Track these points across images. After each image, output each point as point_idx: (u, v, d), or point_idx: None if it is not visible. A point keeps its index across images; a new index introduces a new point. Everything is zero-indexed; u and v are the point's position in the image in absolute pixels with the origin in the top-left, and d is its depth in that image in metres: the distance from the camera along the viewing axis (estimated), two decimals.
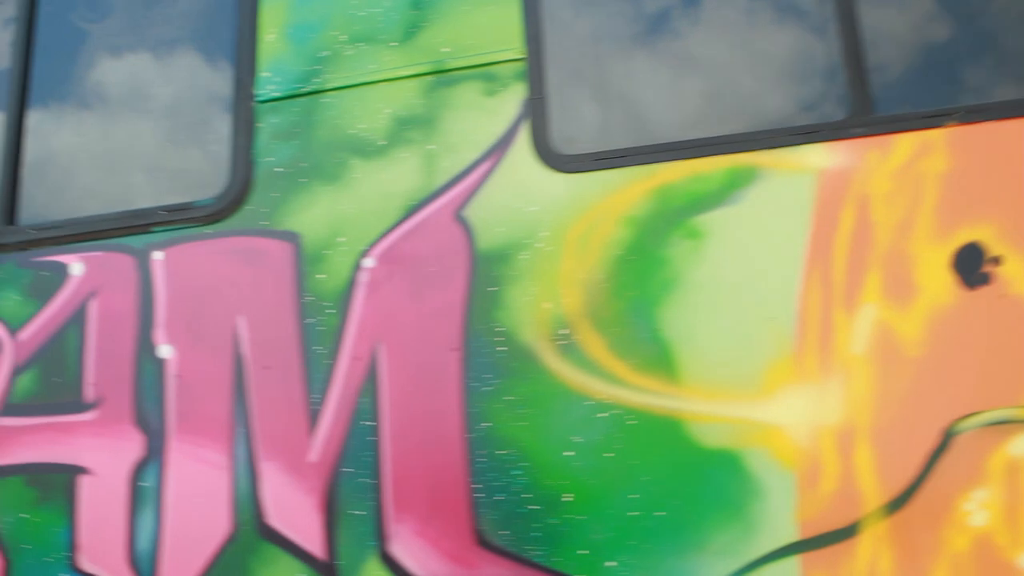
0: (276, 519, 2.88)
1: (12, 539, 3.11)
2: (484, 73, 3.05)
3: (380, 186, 3.02)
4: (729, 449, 2.67)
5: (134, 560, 2.97)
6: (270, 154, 3.14)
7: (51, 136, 3.51)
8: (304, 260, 3.02)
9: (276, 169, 3.12)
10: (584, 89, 3.09)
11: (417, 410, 2.84)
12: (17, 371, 3.21)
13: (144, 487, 3.01)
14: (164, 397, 3.04)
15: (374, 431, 2.86)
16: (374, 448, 2.85)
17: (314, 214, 3.05)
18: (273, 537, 2.87)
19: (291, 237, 3.04)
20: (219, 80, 3.35)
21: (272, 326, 3.00)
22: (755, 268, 2.76)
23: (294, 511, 2.87)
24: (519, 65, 3.03)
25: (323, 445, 2.88)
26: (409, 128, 3.05)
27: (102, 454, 3.06)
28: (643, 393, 2.73)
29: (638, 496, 2.68)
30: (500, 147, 2.97)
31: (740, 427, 2.68)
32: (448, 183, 2.98)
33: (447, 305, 2.88)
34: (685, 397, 2.71)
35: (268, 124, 3.17)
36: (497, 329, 2.84)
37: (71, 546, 3.04)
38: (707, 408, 2.70)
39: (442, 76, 3.08)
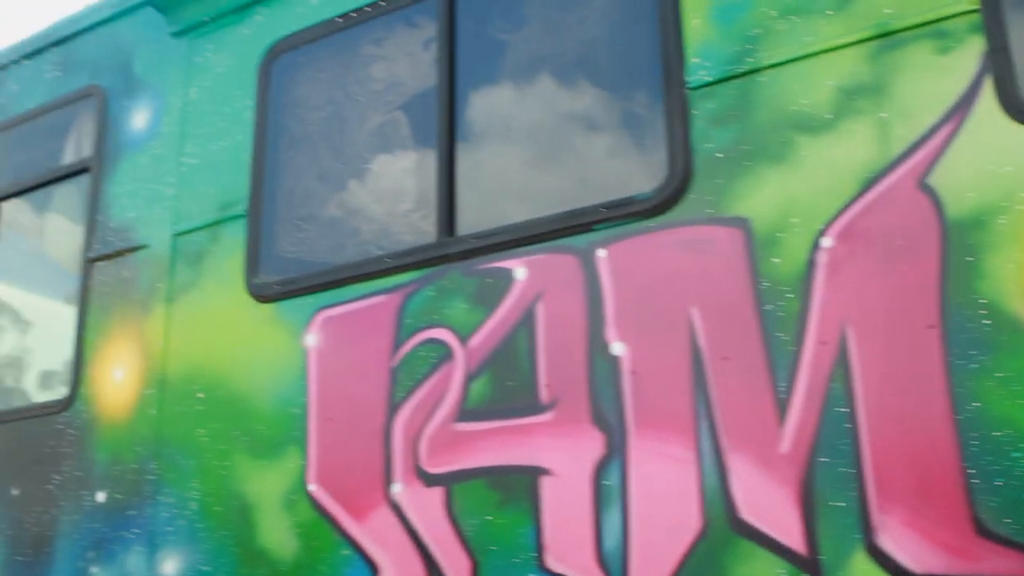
0: (750, 514, 3.01)
1: (478, 541, 3.44)
2: (934, 30, 3.07)
3: (831, 161, 3.11)
4: None
5: (602, 559, 3.20)
6: (708, 140, 3.31)
7: (481, 146, 3.88)
8: (756, 245, 3.15)
9: (717, 155, 3.28)
10: None
11: (895, 393, 2.89)
12: (470, 377, 3.56)
13: (607, 485, 3.23)
14: (621, 394, 3.27)
15: (849, 418, 2.93)
16: (850, 435, 2.92)
17: (762, 197, 3.18)
18: (748, 532, 3.00)
19: (740, 223, 3.19)
20: (645, 72, 3.57)
21: (728, 316, 3.15)
22: None
23: (768, 505, 2.99)
24: (973, 16, 3.02)
25: (794, 435, 2.99)
26: (856, 98, 3.12)
27: (562, 454, 3.33)
28: None
29: None
30: (962, 107, 2.98)
31: None
32: (906, 151, 3.01)
33: (919, 280, 2.91)
34: None
35: (703, 110, 3.34)
36: (979, 301, 2.84)
37: (537, 547, 3.32)
38: None
39: (887, 39, 3.12)
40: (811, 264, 3.06)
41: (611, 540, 3.20)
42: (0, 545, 4.74)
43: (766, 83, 3.26)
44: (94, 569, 4.39)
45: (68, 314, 5.00)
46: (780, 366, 3.04)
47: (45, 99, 5.39)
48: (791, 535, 2.95)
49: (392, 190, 4.05)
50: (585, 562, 3.23)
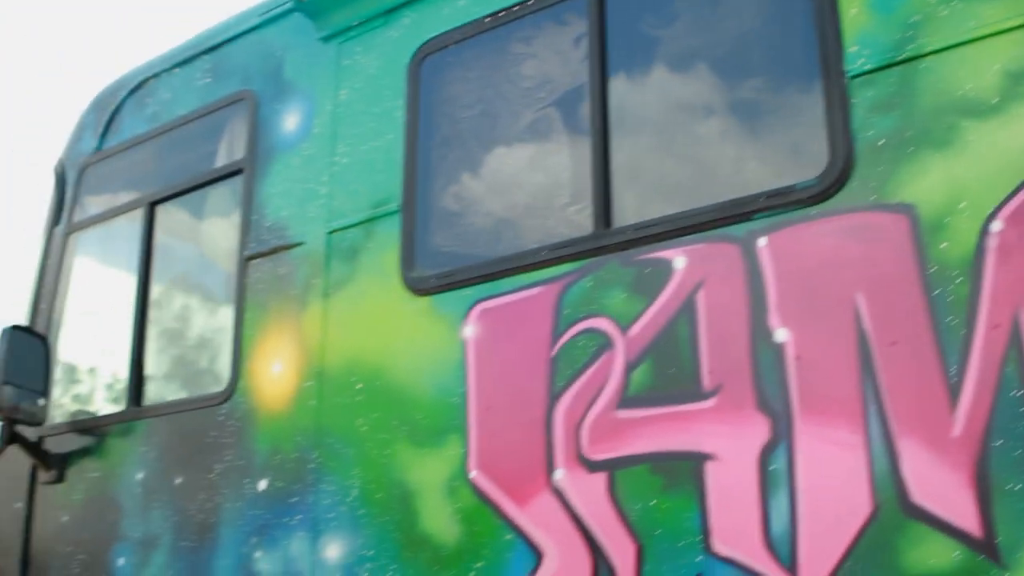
0: (922, 497, 3.01)
1: (643, 525, 3.49)
2: None
3: (999, 146, 3.09)
4: None
5: (770, 543, 3.23)
6: (869, 128, 3.31)
7: (634, 139, 3.93)
8: (923, 231, 3.15)
9: (878, 142, 3.28)
10: None
11: None
12: (631, 366, 3.61)
13: (774, 470, 3.26)
14: (785, 380, 3.29)
15: (1023, 401, 2.91)
16: None
17: (928, 183, 3.17)
18: (921, 516, 3.00)
19: (905, 209, 3.19)
20: (801, 62, 3.58)
21: (895, 301, 3.15)
22: None
23: (942, 489, 2.98)
24: None
25: (967, 418, 2.98)
26: None
27: (726, 440, 3.36)
28: None
29: None
30: None
31: None
32: None
33: None
34: None
35: (863, 98, 3.34)
36: None
37: (703, 531, 3.36)
38: None
39: None
40: (981, 249, 3.05)
41: (779, 525, 3.22)
42: (166, 531, 4.93)
43: (928, 69, 3.25)
44: (258, 554, 4.54)
45: (226, 310, 5.18)
46: (950, 350, 3.04)
47: (196, 105, 5.58)
48: (966, 518, 2.94)
49: (545, 184, 4.12)
50: (752, 546, 3.26)
